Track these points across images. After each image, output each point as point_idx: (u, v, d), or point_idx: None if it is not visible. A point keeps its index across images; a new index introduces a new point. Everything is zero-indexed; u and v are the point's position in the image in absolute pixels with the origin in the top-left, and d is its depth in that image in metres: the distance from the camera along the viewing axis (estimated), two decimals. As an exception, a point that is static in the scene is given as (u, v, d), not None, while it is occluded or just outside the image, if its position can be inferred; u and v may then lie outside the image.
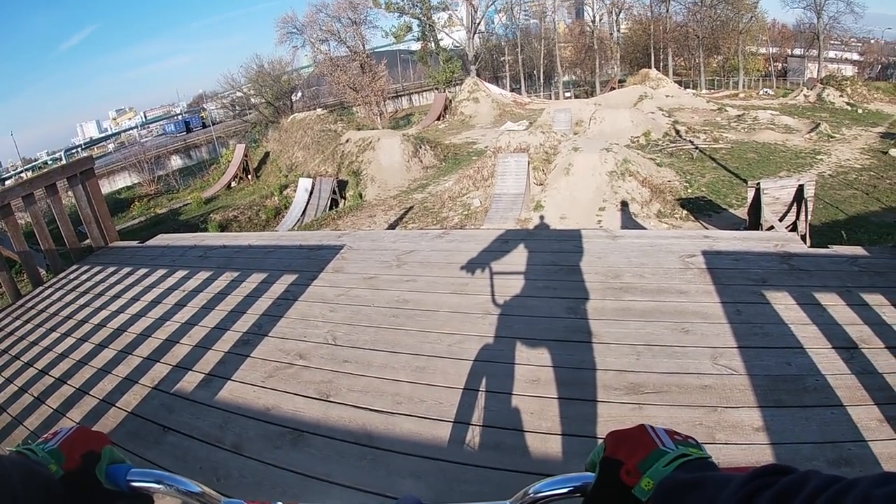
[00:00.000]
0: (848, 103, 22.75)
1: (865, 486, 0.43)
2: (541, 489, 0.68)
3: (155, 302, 4.13)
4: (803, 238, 8.34)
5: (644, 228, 10.78)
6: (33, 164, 52.15)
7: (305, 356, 3.05)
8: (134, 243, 5.96)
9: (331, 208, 18.32)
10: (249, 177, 26.83)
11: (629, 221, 11.32)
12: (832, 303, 2.79)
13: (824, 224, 10.32)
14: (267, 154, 28.41)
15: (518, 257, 3.87)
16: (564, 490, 0.68)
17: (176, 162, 39.06)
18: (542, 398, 2.46)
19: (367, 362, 2.91)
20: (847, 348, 2.43)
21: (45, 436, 0.76)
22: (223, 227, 17.84)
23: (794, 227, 8.42)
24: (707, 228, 10.66)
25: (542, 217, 11.67)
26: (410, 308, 3.40)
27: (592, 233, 4.22)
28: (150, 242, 5.86)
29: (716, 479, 0.56)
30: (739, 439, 2.05)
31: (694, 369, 2.47)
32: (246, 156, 27.12)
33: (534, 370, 2.64)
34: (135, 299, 4.27)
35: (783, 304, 2.85)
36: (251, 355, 3.16)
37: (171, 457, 2.45)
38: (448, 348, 2.92)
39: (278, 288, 3.99)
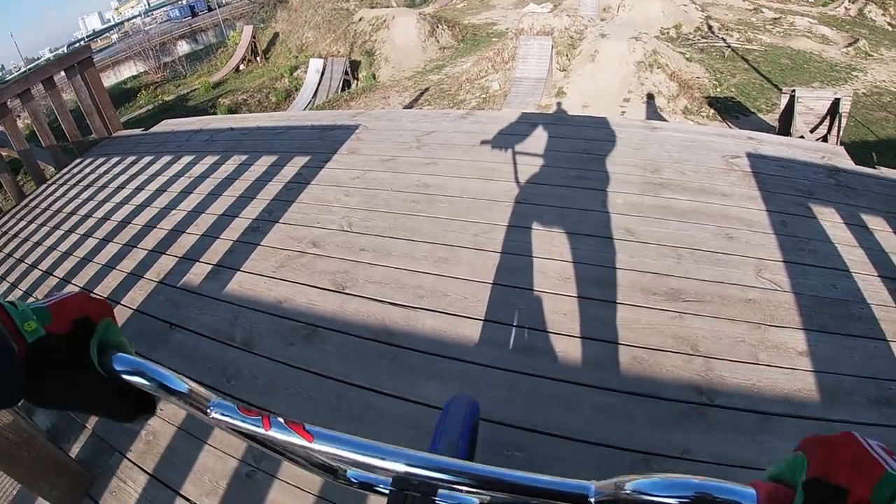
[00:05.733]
0: (889, 23, 20.93)
1: None
2: (642, 489, 0.45)
3: (160, 191, 3.89)
4: (833, 153, 8.29)
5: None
6: (37, 62, 50.77)
7: (319, 244, 2.85)
8: (138, 131, 5.63)
9: (343, 89, 17.66)
10: (258, 59, 25.81)
11: (654, 115, 10.80)
12: (879, 228, 2.58)
13: (854, 142, 9.71)
14: (276, 35, 27.16)
15: (548, 143, 3.55)
16: (678, 499, 0.43)
17: (182, 48, 37.53)
18: (574, 298, 2.26)
19: (385, 251, 2.70)
20: (893, 279, 2.26)
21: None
22: (232, 112, 17.27)
23: (824, 141, 8.24)
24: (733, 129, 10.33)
25: (563, 104, 11.15)
26: (431, 193, 3.15)
27: (629, 122, 3.88)
28: (155, 129, 5.52)
29: None
30: (783, 362, 1.93)
31: (737, 280, 2.29)
32: (254, 37, 25.93)
33: (566, 267, 2.42)
34: (139, 189, 4.03)
35: (830, 221, 2.62)
36: (261, 244, 2.96)
37: (178, 356, 2.30)
38: (473, 238, 2.70)
39: (289, 171, 3.73)
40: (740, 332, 2.05)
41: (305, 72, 19.28)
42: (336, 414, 1.93)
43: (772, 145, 3.35)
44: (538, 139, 3.61)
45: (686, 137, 3.51)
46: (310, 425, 0.55)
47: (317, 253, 2.78)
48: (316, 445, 0.54)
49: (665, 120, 10.50)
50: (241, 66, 25.65)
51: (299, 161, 3.84)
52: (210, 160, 4.19)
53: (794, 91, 8.26)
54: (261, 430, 0.55)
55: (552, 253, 2.52)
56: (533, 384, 1.93)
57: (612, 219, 2.71)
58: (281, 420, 0.55)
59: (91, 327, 0.60)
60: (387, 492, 0.54)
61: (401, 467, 0.52)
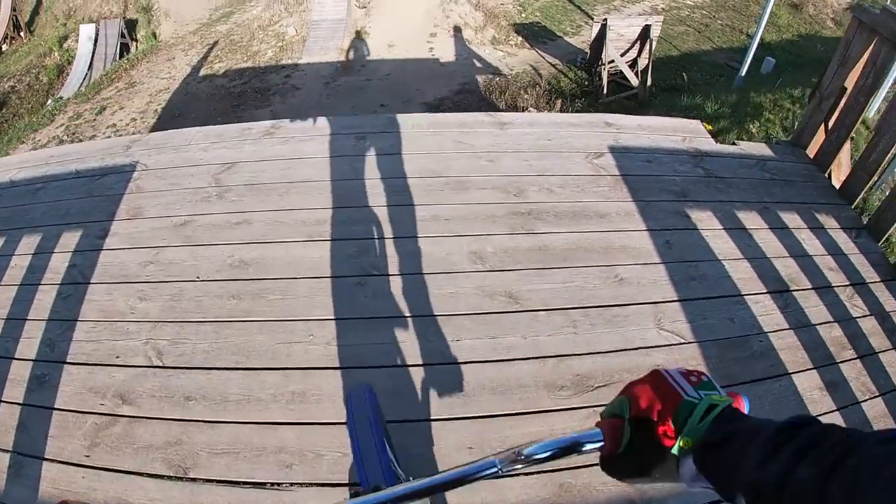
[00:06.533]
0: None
1: (870, 444, 0.44)
2: (532, 452, 0.64)
3: None
4: (644, 73, 9.01)
5: (479, 56, 10.77)
6: None
7: (128, 398, 2.09)
8: None
9: (121, 56, 15.51)
10: (22, 34, 22.02)
11: (463, 48, 10.93)
12: (755, 226, 2.62)
13: (660, 59, 10.22)
14: (39, 2, 23.35)
15: (385, 164, 2.95)
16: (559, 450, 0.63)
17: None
18: (475, 420, 1.85)
19: (219, 396, 2.04)
20: (780, 292, 2.30)
21: None
22: (1, 105, 14.77)
23: (634, 63, 9.25)
24: (543, 57, 10.76)
25: (368, 45, 10.84)
26: (253, 277, 2.43)
27: (473, 119, 3.32)
28: None
29: (746, 431, 0.56)
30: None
31: (640, 341, 2.09)
32: (14, 9, 21.98)
33: (453, 373, 1.98)
34: None
35: (710, 229, 2.57)
36: (56, 406, 2.11)
37: None
38: (326, 350, 2.12)
39: (59, 262, 2.71)
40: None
41: (77, 41, 16.93)
42: None
43: (631, 132, 3.15)
44: (370, 159, 3.00)
45: (541, 133, 3.13)
46: None
47: (130, 414, 2.04)
48: None
49: (477, 53, 10.81)
50: (4, 47, 21.81)
51: (69, 240, 2.81)
52: (-42, 254, 3.10)
53: (605, 20, 8.97)
54: None
55: (431, 354, 2.04)
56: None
57: (487, 281, 2.27)
58: None
59: None
60: None
61: None
